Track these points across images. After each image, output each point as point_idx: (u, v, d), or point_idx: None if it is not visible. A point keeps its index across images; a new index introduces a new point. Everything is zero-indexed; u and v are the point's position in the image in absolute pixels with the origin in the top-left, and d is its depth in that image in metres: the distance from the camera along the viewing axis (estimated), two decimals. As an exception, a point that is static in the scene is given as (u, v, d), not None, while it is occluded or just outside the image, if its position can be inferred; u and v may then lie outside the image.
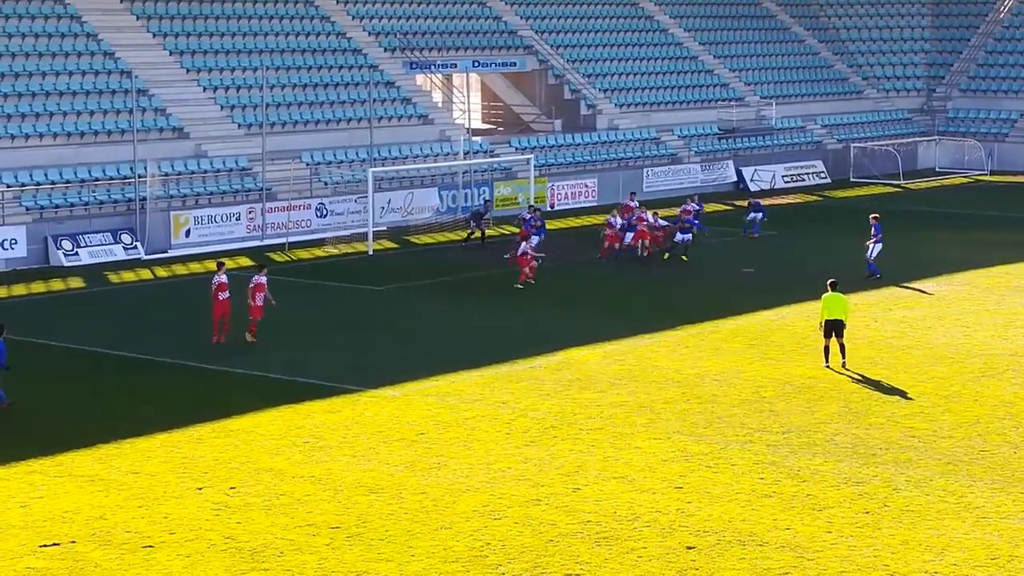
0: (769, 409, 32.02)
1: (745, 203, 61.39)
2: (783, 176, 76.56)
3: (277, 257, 54.28)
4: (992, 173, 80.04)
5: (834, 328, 35.69)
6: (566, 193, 68.04)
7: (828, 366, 35.64)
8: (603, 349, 37.96)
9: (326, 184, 61.33)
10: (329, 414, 31.70)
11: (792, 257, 53.65)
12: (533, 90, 78.18)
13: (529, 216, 53.08)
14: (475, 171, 64.51)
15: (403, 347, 38.55)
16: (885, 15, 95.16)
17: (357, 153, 63.66)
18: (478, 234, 57.03)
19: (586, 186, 69.07)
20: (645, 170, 72.18)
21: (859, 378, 34.75)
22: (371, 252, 55.11)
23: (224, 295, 38.78)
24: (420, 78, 75.81)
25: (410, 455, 28.66)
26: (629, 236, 53.32)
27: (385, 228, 59.35)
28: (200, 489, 26.54)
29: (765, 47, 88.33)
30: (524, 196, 62.45)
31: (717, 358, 36.96)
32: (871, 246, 48.34)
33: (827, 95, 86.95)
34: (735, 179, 75.24)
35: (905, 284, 46.86)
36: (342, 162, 63.06)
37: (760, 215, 58.28)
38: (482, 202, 60.94)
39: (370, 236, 55.72)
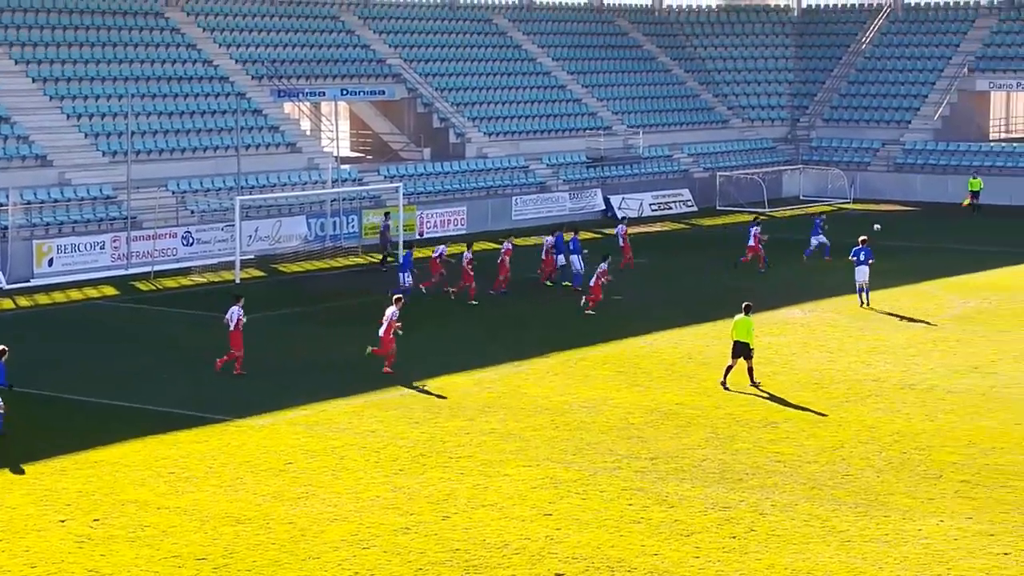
0: (637, 435, 32.18)
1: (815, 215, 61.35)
2: (651, 204, 77.20)
3: (142, 286, 53.68)
4: (855, 201, 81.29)
5: (739, 350, 36.44)
6: (435, 221, 68.04)
7: (724, 384, 36.36)
8: (473, 377, 37.94)
9: (192, 212, 60.79)
10: (195, 444, 31.35)
11: (659, 284, 53.99)
12: (402, 118, 78.15)
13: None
14: (343, 199, 64.30)
15: (271, 376, 38.23)
16: (750, 45, 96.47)
17: (224, 181, 63.19)
18: (388, 258, 57.71)
19: (455, 214, 69.11)
20: (514, 198, 72.42)
21: (726, 403, 35.04)
22: (238, 281, 54.65)
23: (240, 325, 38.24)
24: (288, 106, 75.53)
25: (277, 485, 28.42)
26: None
27: (252, 257, 58.93)
28: (63, 521, 26.09)
29: (632, 77, 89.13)
30: (393, 224, 62.29)
31: (586, 385, 37.10)
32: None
33: (693, 124, 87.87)
34: (603, 207, 75.72)
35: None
36: (209, 190, 62.55)
37: (822, 237, 58.27)
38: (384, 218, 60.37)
39: (237, 265, 55.28)
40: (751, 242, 56.39)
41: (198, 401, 35.34)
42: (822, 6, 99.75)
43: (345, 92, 75.40)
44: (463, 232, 67.55)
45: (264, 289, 53.57)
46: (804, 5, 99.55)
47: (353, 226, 63.60)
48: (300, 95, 73.27)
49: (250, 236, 59.66)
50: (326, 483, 28.55)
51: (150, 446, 31.14)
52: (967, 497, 27.66)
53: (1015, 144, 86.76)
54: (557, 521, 26.24)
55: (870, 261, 47.92)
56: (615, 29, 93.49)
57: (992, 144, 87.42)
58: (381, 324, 38.48)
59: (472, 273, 49.72)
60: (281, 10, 77.69)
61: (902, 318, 46.40)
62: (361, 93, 76.16)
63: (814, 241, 58.57)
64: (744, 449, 31.05)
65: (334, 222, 63.14)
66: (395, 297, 39.81)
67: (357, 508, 26.96)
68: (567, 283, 52.75)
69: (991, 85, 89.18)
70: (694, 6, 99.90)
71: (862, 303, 48.00)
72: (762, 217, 60.78)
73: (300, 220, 62.60)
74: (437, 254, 51.56)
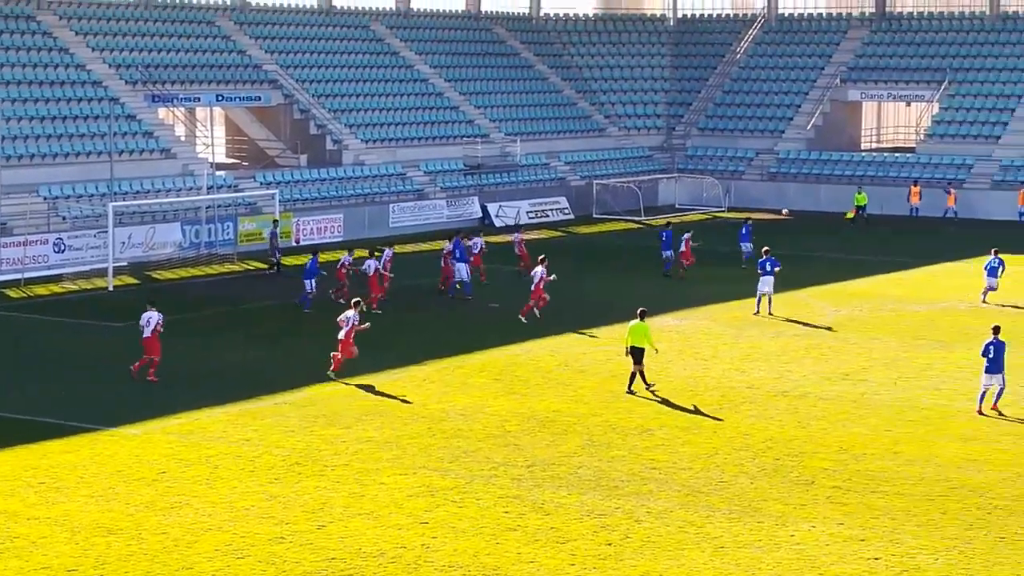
0: (514, 443, 32.22)
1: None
2: (528, 212, 77.37)
3: (12, 293, 52.87)
4: (730, 209, 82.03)
5: (635, 355, 37.02)
6: (312, 228, 67.67)
7: (630, 391, 36.85)
8: (349, 384, 37.78)
9: (64, 218, 59.96)
10: (66, 454, 30.90)
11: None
12: (278, 125, 77.67)
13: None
14: (218, 206, 63.77)
15: (145, 384, 37.80)
16: (626, 54, 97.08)
17: (97, 187, 62.41)
18: (276, 265, 57.75)
19: (332, 221, 68.79)
20: (391, 206, 72.24)
21: (602, 411, 35.17)
22: (111, 288, 54.03)
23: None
24: (162, 111, 74.76)
25: (150, 494, 28.10)
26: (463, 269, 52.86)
27: (126, 264, 58.22)
28: (-71, 533, 25.63)
29: (509, 84, 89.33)
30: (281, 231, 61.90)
31: (463, 393, 37.08)
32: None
33: (570, 132, 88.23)
34: (480, 215, 75.78)
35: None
36: (81, 196, 61.76)
37: (750, 244, 59.06)
38: (272, 225, 59.92)
39: (110, 272, 54.64)
40: (682, 248, 57.35)
41: (69, 410, 34.86)
42: (697, 16, 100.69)
43: (221, 98, 74.80)
44: (340, 239, 67.27)
45: (138, 297, 52.97)
46: (680, 15, 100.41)
47: (228, 233, 63.09)
48: (175, 100, 72.60)
49: (123, 243, 58.90)
50: (200, 492, 28.28)
51: (19, 456, 30.65)
52: (838, 503, 28.01)
53: (886, 154, 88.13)
54: (433, 529, 26.20)
55: (776, 269, 48.55)
56: (492, 37, 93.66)
57: (864, 154, 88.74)
58: (340, 327, 38.59)
59: (378, 281, 49.54)
60: (155, 14, 76.93)
61: (801, 324, 46.92)
62: (237, 99, 75.60)
63: (744, 247, 59.30)
64: (619, 456, 31.20)
65: (209, 229, 62.58)
66: (353, 301, 40.00)
67: (231, 517, 26.73)
68: (442, 288, 52.72)
69: (863, 95, 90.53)
70: (571, 14, 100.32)
71: (758, 311, 48.48)
72: (671, 224, 61.34)
73: (175, 227, 61.97)
74: (341, 263, 51.12)
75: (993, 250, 52.06)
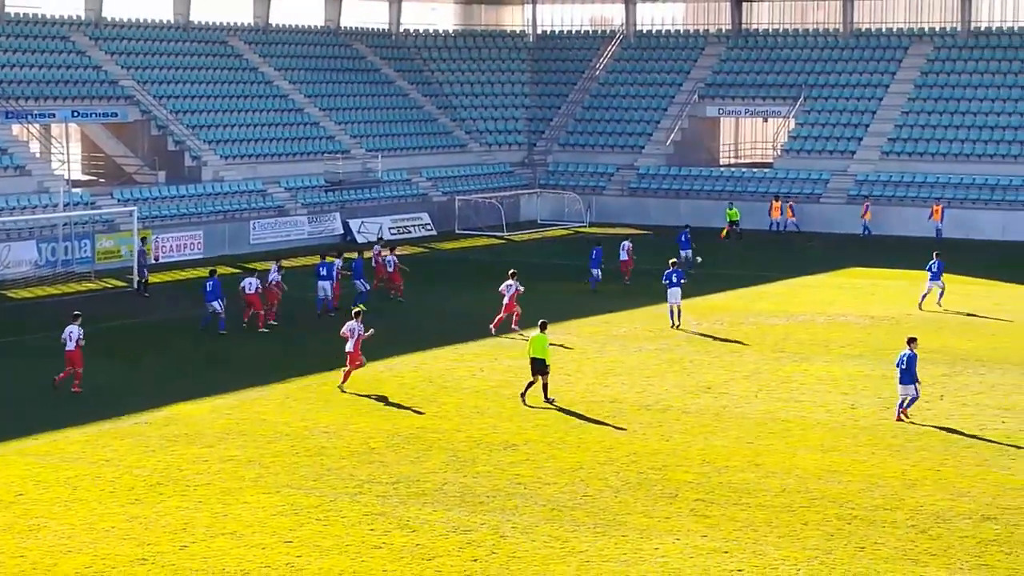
0: (379, 460, 32.10)
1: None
2: (390, 228, 77.20)
3: None
4: (591, 224, 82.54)
5: (536, 366, 37.59)
6: (171, 246, 66.96)
7: (524, 401, 37.34)
8: (211, 403, 37.41)
9: (-84, 237, 58.86)
10: (-80, 477, 30.28)
11: (400, 308, 53.99)
12: (135, 141, 76.73)
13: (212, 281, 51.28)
14: (75, 223, 62.85)
15: (0, 406, 37.15)
16: (486, 70, 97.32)
17: (-50, 205, 61.33)
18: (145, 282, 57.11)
19: (192, 238, 68.13)
20: (252, 222, 71.73)
21: (466, 426, 35.15)
22: (-35, 307, 53.11)
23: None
24: (16, 128, 73.57)
25: (7, 517, 27.59)
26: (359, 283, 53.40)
27: (-20, 283, 57.26)
28: None
29: (370, 100, 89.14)
30: (128, 248, 61.13)
31: (326, 410, 36.87)
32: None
33: (432, 148, 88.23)
34: (342, 231, 75.51)
35: (520, 333, 47.67)
36: (-66, 214, 60.65)
37: (690, 251, 61.31)
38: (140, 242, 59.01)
39: (-36, 291, 53.71)
40: (624, 256, 58.94)
41: (-77, 432, 34.17)
42: (557, 32, 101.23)
43: (76, 114, 73.79)
44: (200, 256, 66.64)
45: (-8, 316, 52.17)
46: (539, 30, 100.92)
47: (86, 251, 62.20)
48: (29, 116, 71.49)
49: (-23, 261, 57.95)
50: (59, 514, 27.82)
51: None
52: (702, 515, 28.23)
53: (744, 169, 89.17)
54: (298, 548, 26.00)
55: (682, 281, 49.02)
56: (352, 52, 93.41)
57: (723, 169, 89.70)
58: (346, 339, 38.99)
59: (261, 299, 49.07)
60: (8, 29, 75.73)
61: (715, 338, 47.27)
62: (93, 115, 74.62)
63: (684, 254, 60.74)
64: (485, 472, 31.20)
65: (66, 247, 61.67)
66: (355, 312, 40.18)
67: (92, 539, 26.32)
68: (322, 311, 52.17)
69: (720, 111, 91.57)
70: (430, 30, 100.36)
71: (673, 324, 48.78)
72: (602, 242, 61.71)
73: (30, 245, 60.99)
74: (271, 281, 50.40)
75: (935, 253, 53.43)
